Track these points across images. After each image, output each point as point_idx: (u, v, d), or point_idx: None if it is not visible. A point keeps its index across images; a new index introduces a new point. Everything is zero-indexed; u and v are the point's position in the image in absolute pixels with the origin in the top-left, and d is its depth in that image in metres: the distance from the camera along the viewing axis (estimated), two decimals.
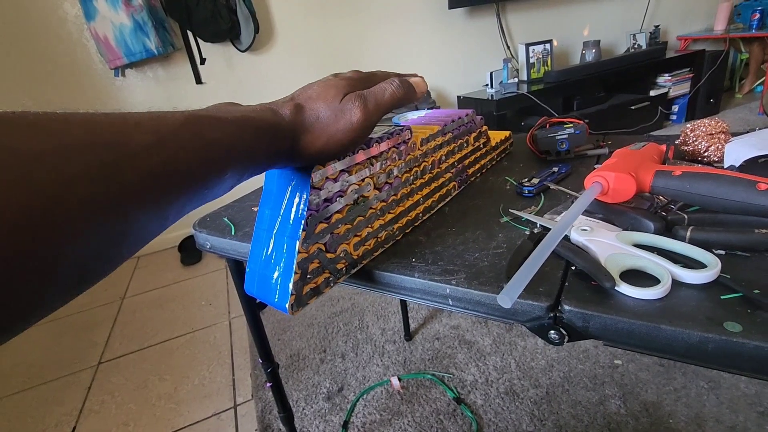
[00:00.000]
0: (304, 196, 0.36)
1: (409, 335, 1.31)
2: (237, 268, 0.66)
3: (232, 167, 0.27)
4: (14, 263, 0.15)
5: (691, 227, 0.38)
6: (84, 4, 1.73)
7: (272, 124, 0.30)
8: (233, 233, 0.57)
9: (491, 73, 2.45)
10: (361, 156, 0.41)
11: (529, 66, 2.56)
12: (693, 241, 0.37)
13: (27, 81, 1.81)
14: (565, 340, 0.34)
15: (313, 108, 0.33)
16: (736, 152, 0.51)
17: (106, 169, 0.18)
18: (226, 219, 0.62)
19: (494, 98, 2.33)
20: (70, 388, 1.33)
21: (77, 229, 0.17)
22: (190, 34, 1.92)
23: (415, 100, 0.42)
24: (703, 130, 0.56)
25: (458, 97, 2.59)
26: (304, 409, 1.11)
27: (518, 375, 1.10)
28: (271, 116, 0.31)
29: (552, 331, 0.35)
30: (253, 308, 0.73)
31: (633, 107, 2.63)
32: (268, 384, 0.81)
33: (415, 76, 0.41)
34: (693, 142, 0.57)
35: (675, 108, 2.86)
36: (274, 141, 0.30)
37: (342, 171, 0.39)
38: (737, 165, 0.51)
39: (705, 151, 0.55)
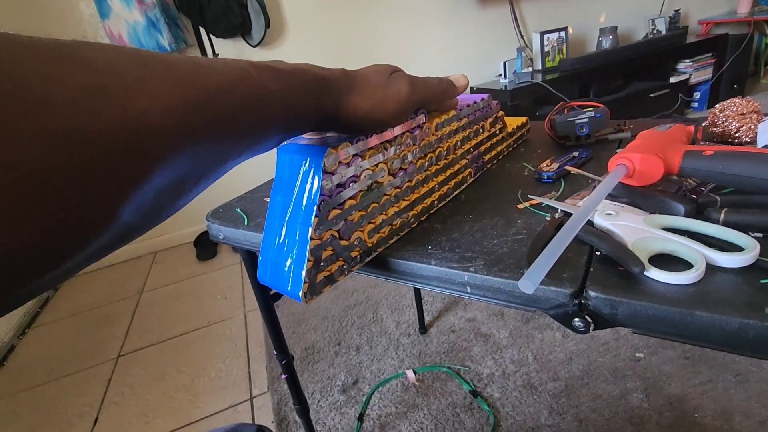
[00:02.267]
0: (317, 180, 0.35)
1: (424, 328, 1.30)
2: (250, 259, 0.66)
3: (284, 121, 0.27)
4: (107, 180, 0.15)
5: (724, 209, 0.36)
6: (98, 3, 1.75)
7: (321, 78, 0.30)
8: (246, 224, 0.57)
9: (505, 63, 2.40)
10: (374, 140, 0.40)
11: (544, 55, 2.51)
12: (727, 224, 0.35)
13: None
14: (591, 328, 0.33)
15: (363, 73, 0.34)
16: None
17: (188, 105, 0.19)
18: (238, 210, 0.61)
19: (508, 88, 2.29)
20: (91, 380, 1.36)
21: (159, 158, 0.18)
22: (202, 30, 1.92)
23: (453, 96, 0.44)
24: (734, 109, 0.53)
25: (471, 87, 2.55)
26: (319, 401, 1.12)
27: (536, 368, 1.09)
28: (319, 70, 0.31)
29: (577, 319, 0.33)
30: (267, 300, 0.73)
31: (652, 95, 2.56)
32: (284, 375, 0.81)
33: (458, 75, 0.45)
34: (723, 122, 0.54)
35: (696, 95, 2.77)
36: (321, 96, 0.30)
37: (355, 155, 0.38)
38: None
39: (736, 132, 0.52)
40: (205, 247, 2.10)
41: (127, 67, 0.17)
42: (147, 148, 0.17)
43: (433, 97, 0.39)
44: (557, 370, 1.07)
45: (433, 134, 0.48)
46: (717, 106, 0.56)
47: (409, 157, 0.45)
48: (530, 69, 2.48)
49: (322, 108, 0.31)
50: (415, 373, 1.15)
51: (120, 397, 1.27)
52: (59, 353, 1.54)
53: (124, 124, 0.16)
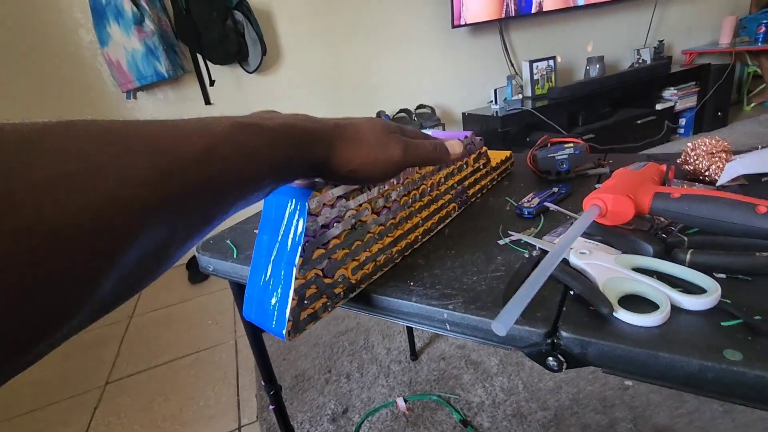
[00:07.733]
0: (301, 222, 0.37)
1: (414, 355, 1.30)
2: (239, 291, 0.66)
3: (271, 175, 0.28)
4: (78, 263, 0.15)
5: (691, 250, 0.38)
6: (98, 30, 1.79)
7: (311, 132, 0.30)
8: (235, 256, 0.58)
9: (495, 90, 2.47)
10: None
11: (533, 82, 2.58)
12: (693, 265, 0.37)
13: (43, 104, 1.87)
14: (564, 366, 0.34)
15: (358, 129, 0.34)
16: (737, 171, 0.51)
17: (162, 175, 0.19)
18: (228, 241, 0.63)
19: (499, 115, 2.34)
20: (77, 409, 1.33)
21: (135, 233, 0.18)
22: (199, 57, 1.97)
23: (446, 163, 0.42)
24: (704, 149, 0.56)
25: (463, 114, 2.61)
26: (308, 430, 1.10)
27: (526, 396, 1.08)
28: (311, 124, 0.31)
29: (550, 358, 0.34)
30: (255, 330, 0.73)
31: (639, 122, 2.63)
32: (272, 407, 0.81)
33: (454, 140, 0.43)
34: (694, 161, 0.56)
35: (682, 121, 2.85)
36: (308, 149, 0.30)
37: (339, 197, 0.40)
38: (725, 183, 0.51)
39: (706, 171, 0.55)
40: (198, 270, 2.09)
41: (98, 146, 0.17)
42: (120, 225, 0.17)
43: (424, 163, 0.39)
44: (546, 399, 1.06)
45: (417, 172, 0.50)
46: (689, 144, 0.58)
47: (393, 195, 0.46)
48: (520, 96, 2.55)
49: (309, 160, 0.31)
50: (405, 401, 1.14)
51: (106, 427, 1.25)
52: (44, 380, 1.51)
53: (91, 208, 0.16)
